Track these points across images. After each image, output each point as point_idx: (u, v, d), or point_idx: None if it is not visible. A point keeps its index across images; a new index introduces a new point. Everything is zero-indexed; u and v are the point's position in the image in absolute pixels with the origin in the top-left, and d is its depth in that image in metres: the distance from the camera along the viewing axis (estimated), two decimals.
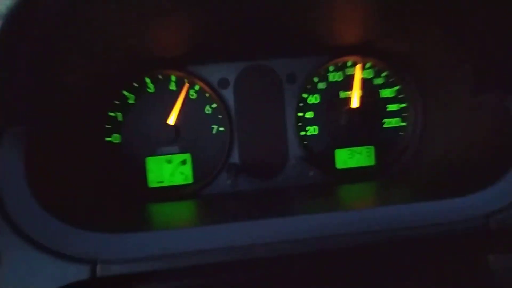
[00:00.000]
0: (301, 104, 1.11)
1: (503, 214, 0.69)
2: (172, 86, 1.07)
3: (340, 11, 0.87)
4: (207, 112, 1.09)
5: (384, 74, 1.13)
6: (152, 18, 0.79)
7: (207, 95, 1.08)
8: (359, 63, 1.11)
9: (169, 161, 1.07)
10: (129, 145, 1.06)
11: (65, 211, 0.69)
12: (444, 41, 0.90)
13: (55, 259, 0.62)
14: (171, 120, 1.05)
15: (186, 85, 1.07)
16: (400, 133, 1.14)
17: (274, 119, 1.10)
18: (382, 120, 1.13)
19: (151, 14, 0.77)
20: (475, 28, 0.79)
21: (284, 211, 0.76)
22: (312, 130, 1.12)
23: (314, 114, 1.12)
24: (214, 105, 1.08)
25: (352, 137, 1.12)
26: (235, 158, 1.09)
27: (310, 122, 1.12)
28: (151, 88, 1.06)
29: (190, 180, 1.08)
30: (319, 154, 1.12)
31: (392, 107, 1.13)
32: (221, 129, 1.09)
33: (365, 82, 1.12)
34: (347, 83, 1.11)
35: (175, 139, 1.06)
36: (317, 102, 1.12)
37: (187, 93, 1.07)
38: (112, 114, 1.05)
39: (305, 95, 1.11)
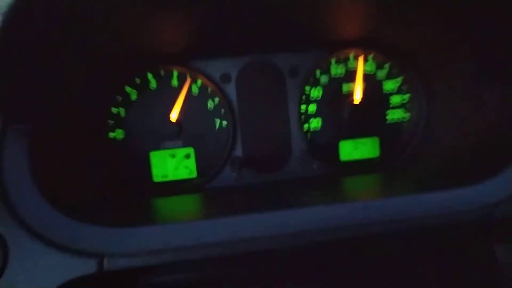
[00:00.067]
0: (303, 98, 1.11)
1: (508, 204, 0.69)
2: (174, 82, 1.07)
3: (341, 4, 0.87)
4: (210, 107, 1.09)
5: (386, 66, 1.12)
6: (153, 13, 0.79)
7: (209, 90, 1.08)
8: (361, 56, 1.11)
9: (173, 156, 1.08)
10: (133, 140, 1.06)
11: (72, 206, 0.70)
12: (445, 32, 0.90)
13: (62, 253, 0.63)
14: (174, 115, 1.05)
15: (188, 81, 1.07)
16: (404, 124, 1.13)
17: (277, 113, 1.10)
18: (386, 112, 1.13)
19: (152, 9, 0.77)
20: (476, 19, 0.79)
21: (288, 203, 0.76)
22: (315, 123, 1.12)
23: (317, 108, 1.12)
24: (216, 100, 1.08)
25: (356, 130, 1.12)
26: (238, 152, 1.09)
27: (313, 115, 1.12)
28: (153, 84, 1.06)
29: (194, 174, 1.09)
30: (323, 147, 1.12)
31: (395, 99, 1.13)
32: (224, 123, 1.09)
33: (368, 75, 1.12)
34: (350, 76, 1.11)
35: (178, 135, 1.06)
36: (319, 95, 1.12)
37: (189, 89, 1.07)
38: (115, 110, 1.05)
39: (307, 89, 1.11)
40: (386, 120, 1.13)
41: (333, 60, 1.11)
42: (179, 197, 1.00)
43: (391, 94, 1.13)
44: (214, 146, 1.09)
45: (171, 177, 1.08)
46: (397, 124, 1.14)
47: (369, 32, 1.04)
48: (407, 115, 1.13)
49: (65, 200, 0.70)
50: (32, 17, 0.63)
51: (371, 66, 1.12)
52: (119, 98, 1.05)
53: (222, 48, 1.07)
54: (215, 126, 1.09)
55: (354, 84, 1.11)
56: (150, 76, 1.06)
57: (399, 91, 1.13)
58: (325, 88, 1.12)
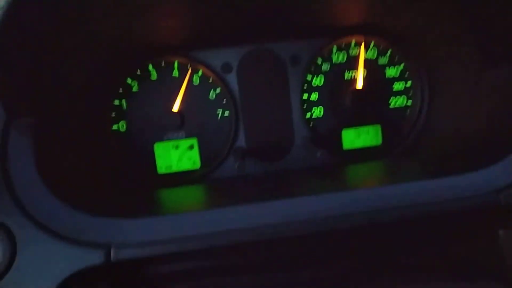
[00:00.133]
0: (305, 86, 1.11)
1: None
2: (175, 73, 1.07)
3: None
4: (212, 97, 1.08)
5: (388, 52, 1.12)
6: (153, 4, 0.79)
7: (210, 80, 1.08)
8: (363, 43, 1.10)
9: (177, 147, 1.08)
10: (136, 132, 1.06)
11: (77, 198, 0.70)
12: (448, 16, 0.89)
13: (69, 245, 0.64)
14: (176, 107, 1.05)
15: (189, 71, 1.06)
16: (407, 111, 1.13)
17: (279, 102, 1.10)
18: (388, 99, 1.13)
19: (152, 0, 0.76)
20: (481, 3, 0.78)
21: (292, 192, 0.77)
22: (318, 111, 1.12)
23: (319, 96, 1.12)
24: (218, 90, 1.08)
25: (358, 118, 1.12)
26: (241, 141, 1.09)
27: (315, 103, 1.12)
28: (154, 75, 1.06)
29: (198, 165, 1.09)
30: (326, 135, 1.12)
31: (397, 85, 1.12)
32: (226, 113, 1.09)
33: (370, 62, 1.11)
34: (351, 64, 1.11)
35: (181, 126, 1.06)
36: (321, 83, 1.11)
37: (191, 79, 1.07)
38: (116, 102, 1.05)
39: (309, 77, 1.11)
40: (388, 107, 1.13)
41: (334, 48, 1.11)
42: (184, 188, 1.00)
43: (393, 80, 1.12)
44: (217, 136, 1.09)
45: (175, 168, 1.08)
46: (400, 111, 1.13)
47: (371, 18, 1.03)
48: (409, 101, 1.13)
49: (70, 192, 0.71)
50: (31, 11, 0.62)
51: (373, 53, 1.11)
52: (121, 90, 1.05)
53: (222, 37, 1.06)
54: (217, 116, 1.09)
55: (356, 71, 1.10)
56: (150, 67, 1.06)
57: (401, 77, 1.12)
58: (327, 75, 1.11)
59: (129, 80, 1.05)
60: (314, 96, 1.11)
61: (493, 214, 0.73)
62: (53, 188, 0.67)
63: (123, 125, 1.06)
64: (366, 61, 1.10)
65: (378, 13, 1.01)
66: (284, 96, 1.09)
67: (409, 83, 1.12)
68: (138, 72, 1.06)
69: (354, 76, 1.10)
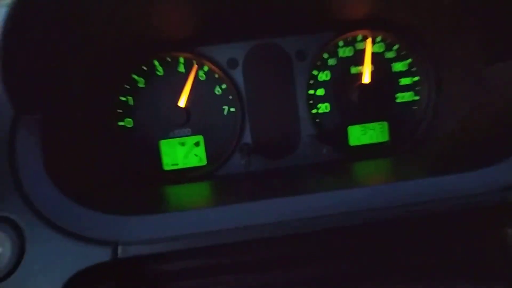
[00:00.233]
0: (311, 82, 1.10)
1: None
2: (181, 68, 1.06)
3: None
4: (217, 93, 1.08)
5: (395, 47, 1.10)
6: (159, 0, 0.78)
7: (216, 76, 1.08)
8: (369, 37, 1.09)
9: (183, 144, 1.08)
10: (142, 129, 1.06)
11: (84, 195, 0.71)
12: (455, 10, 0.87)
13: (77, 242, 0.64)
14: (182, 102, 1.05)
15: (195, 67, 1.06)
16: (414, 107, 1.12)
17: (285, 98, 1.09)
18: (395, 94, 1.12)
19: None
20: None
21: (298, 189, 0.77)
22: (324, 107, 1.11)
23: (325, 91, 1.11)
24: (224, 86, 1.08)
25: (365, 113, 1.11)
26: (247, 138, 1.09)
27: (322, 99, 1.11)
28: (160, 71, 1.06)
29: (204, 162, 1.09)
30: (332, 132, 1.12)
31: (404, 81, 1.11)
32: (232, 109, 1.08)
33: (376, 57, 1.10)
34: (358, 58, 1.09)
35: (187, 121, 1.06)
36: (327, 78, 1.10)
37: (196, 75, 1.07)
38: (123, 98, 1.05)
39: (315, 72, 1.10)
40: (395, 102, 1.12)
41: (341, 42, 1.10)
42: (190, 185, 1.00)
43: (400, 75, 1.11)
44: (223, 133, 1.09)
45: (181, 165, 1.09)
46: (407, 106, 1.12)
47: (378, 12, 1.02)
48: (416, 97, 1.12)
49: (77, 189, 0.72)
50: (37, 7, 0.63)
51: (380, 48, 1.10)
52: (127, 86, 1.05)
53: (228, 32, 1.06)
54: (223, 113, 1.08)
55: (362, 65, 1.09)
56: (156, 62, 1.06)
57: (408, 72, 1.11)
58: (333, 71, 1.10)
59: (135, 76, 1.05)
60: (321, 92, 1.11)
61: (501, 212, 0.73)
62: (60, 185, 0.68)
63: (129, 121, 1.06)
64: (372, 55, 1.09)
65: (385, 7, 1.00)
66: (290, 91, 1.09)
67: (416, 78, 1.11)
68: (144, 68, 1.05)
69: (361, 71, 1.09)
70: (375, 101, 1.09)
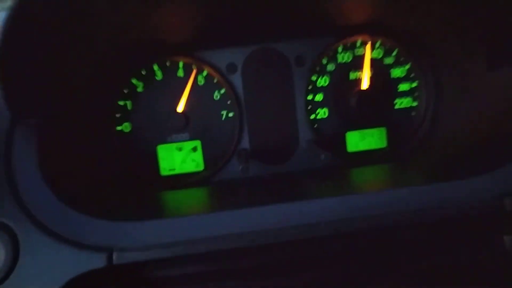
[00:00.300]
0: (310, 87, 1.10)
1: None
2: (180, 73, 1.06)
3: None
4: (216, 98, 1.08)
5: (394, 52, 1.10)
6: (158, 4, 0.78)
7: (215, 80, 1.07)
8: (369, 42, 1.09)
9: (180, 149, 1.08)
10: (140, 133, 1.06)
11: (80, 201, 0.70)
12: (455, 16, 0.87)
13: (71, 248, 0.64)
14: (180, 107, 1.05)
15: (194, 71, 1.06)
16: (412, 113, 1.12)
17: (283, 103, 1.09)
18: (394, 100, 1.11)
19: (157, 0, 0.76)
20: (485, 2, 0.77)
21: (296, 195, 0.76)
22: (322, 113, 1.11)
23: (324, 97, 1.11)
24: (222, 91, 1.08)
25: (363, 119, 1.11)
26: (245, 143, 1.09)
27: (320, 104, 1.11)
28: (159, 75, 1.06)
29: (201, 167, 1.09)
30: (330, 137, 1.12)
31: (403, 86, 1.11)
32: (231, 114, 1.08)
33: (375, 62, 1.10)
34: (357, 64, 1.09)
35: (185, 126, 1.06)
36: (326, 84, 1.10)
37: (195, 79, 1.07)
38: (121, 103, 1.05)
39: (314, 78, 1.10)
40: (394, 108, 1.12)
41: (340, 47, 1.10)
42: (187, 191, 1.00)
43: (399, 81, 1.11)
44: (221, 138, 1.08)
45: (178, 170, 1.08)
46: (405, 113, 1.12)
47: (377, 17, 1.02)
48: (415, 103, 1.12)
49: (74, 195, 0.71)
50: (38, 11, 0.62)
51: (379, 53, 1.10)
52: (126, 91, 1.05)
53: (227, 37, 1.06)
54: (221, 118, 1.08)
55: (361, 71, 1.09)
56: (156, 67, 1.06)
57: (407, 78, 1.11)
58: (332, 76, 1.10)
59: (134, 80, 1.05)
60: (319, 97, 1.10)
61: (498, 219, 0.72)
62: (56, 191, 0.68)
63: (127, 126, 1.06)
64: (371, 61, 1.09)
65: (384, 12, 1.00)
66: (289, 97, 1.09)
67: (414, 84, 1.11)
68: (143, 72, 1.05)
69: (360, 76, 1.09)
70: (373, 107, 1.09)
